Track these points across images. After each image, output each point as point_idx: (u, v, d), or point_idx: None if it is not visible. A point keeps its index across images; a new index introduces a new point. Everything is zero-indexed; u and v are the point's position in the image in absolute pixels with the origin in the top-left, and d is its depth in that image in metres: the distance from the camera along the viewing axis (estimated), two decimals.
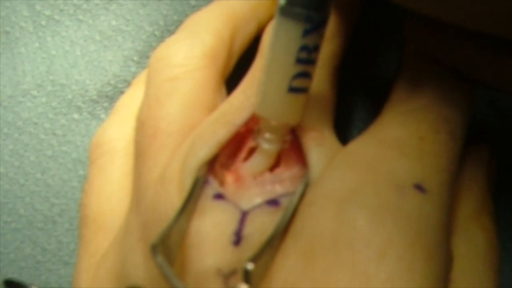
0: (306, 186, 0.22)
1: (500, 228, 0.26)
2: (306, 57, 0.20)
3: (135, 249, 0.23)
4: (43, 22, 0.32)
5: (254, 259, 0.20)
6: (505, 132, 0.29)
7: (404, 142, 0.22)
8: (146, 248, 0.23)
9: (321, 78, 0.24)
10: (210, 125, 0.23)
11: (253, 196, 0.23)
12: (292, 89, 0.21)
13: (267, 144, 0.22)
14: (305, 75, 0.21)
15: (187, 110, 0.24)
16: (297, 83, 0.21)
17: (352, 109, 0.30)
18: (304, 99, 0.21)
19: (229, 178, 0.24)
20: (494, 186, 0.27)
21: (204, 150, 0.23)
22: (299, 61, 0.20)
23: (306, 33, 0.20)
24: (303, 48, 0.20)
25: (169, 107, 0.25)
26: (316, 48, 0.21)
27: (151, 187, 0.24)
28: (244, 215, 0.22)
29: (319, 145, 0.23)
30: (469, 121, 0.24)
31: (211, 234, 0.22)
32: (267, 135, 0.22)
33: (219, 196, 0.23)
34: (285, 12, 0.21)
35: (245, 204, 0.23)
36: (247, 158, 0.24)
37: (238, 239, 0.22)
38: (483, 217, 0.25)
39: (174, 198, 0.23)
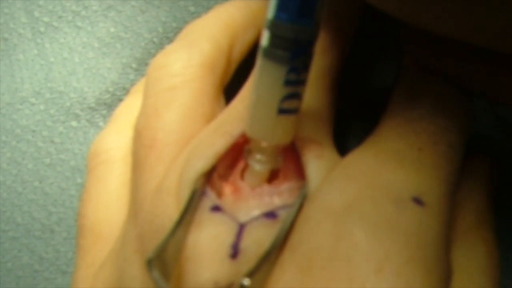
0: (304, 198, 0.22)
1: (501, 240, 0.26)
2: (295, 79, 0.20)
3: (132, 260, 0.23)
4: (42, 29, 0.32)
5: (251, 274, 0.20)
6: (506, 141, 0.29)
7: (402, 153, 0.22)
8: (143, 260, 0.23)
9: (319, 90, 0.24)
10: (208, 136, 0.23)
11: (250, 208, 0.23)
12: (282, 111, 0.21)
13: (258, 165, 0.22)
14: (295, 96, 0.21)
15: (185, 120, 0.24)
16: (287, 104, 0.21)
17: (351, 120, 0.30)
18: (295, 119, 0.21)
19: (227, 189, 0.24)
20: (495, 196, 0.27)
21: (202, 162, 0.23)
22: (288, 82, 0.20)
23: (294, 55, 0.20)
24: (292, 70, 0.20)
25: (166, 117, 0.25)
26: (305, 68, 0.21)
27: (148, 198, 0.24)
28: (241, 228, 0.22)
29: (318, 157, 0.23)
30: (468, 131, 0.24)
31: (208, 247, 0.22)
32: (258, 156, 0.22)
33: (216, 208, 0.23)
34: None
35: (243, 217, 0.22)
36: (245, 169, 0.23)
37: (235, 252, 0.22)
38: (483, 228, 0.25)
39: (171, 210, 0.23)
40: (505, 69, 0.22)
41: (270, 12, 0.20)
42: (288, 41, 0.20)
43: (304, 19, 0.20)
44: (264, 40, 0.20)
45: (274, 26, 0.20)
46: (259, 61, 0.21)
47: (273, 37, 0.20)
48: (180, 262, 0.22)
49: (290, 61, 0.20)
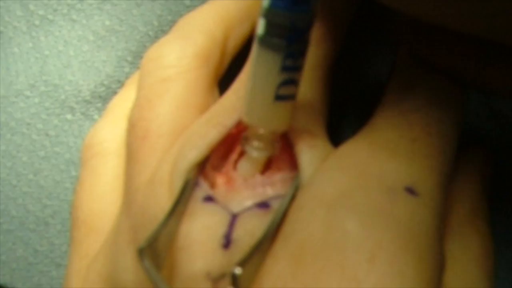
0: (297, 189, 0.23)
1: (495, 231, 0.26)
2: (292, 65, 0.20)
3: (125, 252, 0.23)
4: (37, 22, 0.32)
5: (243, 263, 0.20)
6: (500, 133, 0.29)
7: (396, 144, 0.22)
8: (136, 250, 0.22)
9: (313, 81, 0.24)
10: (201, 126, 0.23)
11: (243, 199, 0.23)
12: (279, 97, 0.21)
13: (256, 152, 0.22)
14: (292, 82, 0.21)
15: (178, 111, 0.24)
16: (284, 90, 0.21)
17: (344, 111, 0.30)
18: (292, 105, 0.22)
19: (220, 180, 0.24)
20: (489, 188, 0.27)
21: (195, 152, 0.23)
22: (284, 69, 0.20)
23: (290, 41, 0.20)
24: (289, 55, 0.20)
25: (160, 109, 0.25)
26: (302, 54, 0.21)
27: (141, 189, 0.24)
28: (233, 218, 0.22)
29: (311, 147, 0.23)
30: (462, 122, 0.24)
31: (201, 237, 0.22)
32: (255, 143, 0.22)
33: (209, 199, 0.23)
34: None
35: (235, 207, 0.23)
36: (238, 160, 0.23)
37: (227, 242, 0.22)
38: (478, 220, 0.25)
39: (163, 201, 0.23)
40: (500, 61, 0.22)
41: (265, 0, 0.20)
42: (284, 29, 0.20)
43: (300, 6, 0.20)
44: (260, 28, 0.21)
45: (269, 14, 0.20)
46: (255, 49, 0.21)
47: (269, 25, 0.21)
48: (172, 252, 0.22)
49: (286, 49, 0.21)
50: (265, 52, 0.21)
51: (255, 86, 0.21)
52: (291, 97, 0.21)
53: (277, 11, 0.20)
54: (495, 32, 0.20)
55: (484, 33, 0.20)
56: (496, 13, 0.19)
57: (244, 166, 0.23)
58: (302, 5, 0.20)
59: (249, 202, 0.23)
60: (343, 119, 0.30)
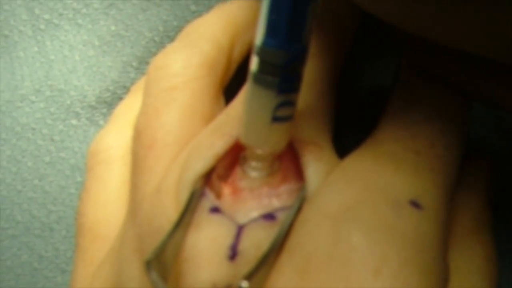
0: (303, 200, 0.23)
1: (499, 242, 0.26)
2: (288, 87, 0.20)
3: (130, 261, 0.24)
4: (42, 26, 0.33)
5: (249, 276, 0.20)
6: (505, 144, 0.29)
7: (400, 157, 0.23)
8: (142, 261, 0.23)
9: (318, 92, 0.24)
10: (207, 136, 0.24)
11: (249, 210, 0.23)
12: (276, 119, 0.21)
13: (254, 172, 0.22)
14: (289, 103, 0.21)
15: (184, 120, 0.25)
16: (281, 112, 0.21)
17: (349, 122, 0.30)
18: (289, 125, 0.22)
19: (226, 190, 0.24)
20: (493, 199, 0.27)
21: (201, 163, 0.23)
22: (281, 91, 0.20)
23: (284, 78, 0.20)
24: (283, 88, 0.20)
25: (166, 117, 0.25)
26: (298, 76, 0.21)
27: (147, 199, 0.24)
28: (240, 229, 0.23)
29: (317, 159, 0.23)
30: (466, 134, 0.24)
31: (207, 249, 0.22)
32: (253, 163, 0.22)
33: (215, 210, 0.23)
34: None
35: (242, 218, 0.23)
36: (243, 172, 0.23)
37: (233, 253, 0.22)
38: (481, 231, 0.25)
39: (170, 211, 0.23)
40: (504, 75, 0.22)
41: (258, 38, 0.20)
42: (278, 67, 0.20)
43: (293, 43, 0.20)
44: (253, 64, 0.21)
45: (262, 52, 0.20)
46: (249, 85, 0.21)
47: (262, 63, 0.20)
48: (178, 263, 0.22)
49: (279, 86, 0.21)
50: (259, 89, 0.21)
51: (251, 110, 0.21)
52: (288, 118, 0.21)
53: (270, 50, 0.20)
54: (497, 54, 0.20)
55: (486, 53, 0.20)
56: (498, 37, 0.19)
57: (245, 185, 0.23)
58: (295, 42, 0.20)
59: (255, 213, 0.23)
60: (347, 130, 0.30)
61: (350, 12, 0.26)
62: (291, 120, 0.22)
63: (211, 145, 0.23)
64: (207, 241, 0.22)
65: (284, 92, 0.21)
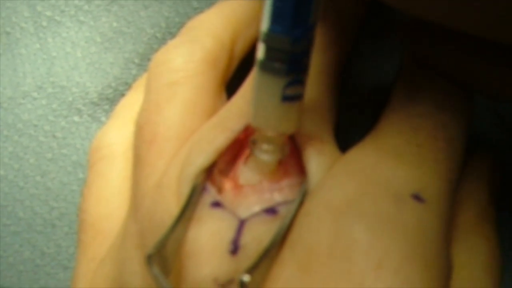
0: (305, 194, 0.23)
1: (502, 236, 0.26)
2: (297, 67, 0.21)
3: (132, 256, 0.24)
4: (44, 23, 0.33)
5: (251, 270, 0.20)
6: (507, 138, 0.29)
7: (402, 150, 0.23)
8: (143, 256, 0.23)
9: (321, 86, 0.24)
10: (209, 131, 0.24)
11: (251, 204, 0.23)
12: (286, 98, 0.21)
13: (265, 155, 0.22)
14: (298, 82, 0.21)
15: (186, 115, 0.25)
16: (290, 91, 0.21)
17: (352, 116, 0.30)
18: (299, 106, 0.22)
19: (227, 185, 0.24)
20: (496, 193, 0.27)
21: (202, 158, 0.23)
22: (290, 70, 0.20)
23: (291, 65, 0.20)
24: (293, 60, 0.20)
25: (168, 112, 0.25)
26: (306, 53, 0.21)
27: (149, 194, 0.24)
28: (241, 224, 0.23)
29: (319, 153, 0.23)
30: (469, 128, 0.24)
31: (208, 243, 0.22)
32: (264, 146, 0.22)
33: (216, 204, 0.23)
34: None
35: (243, 212, 0.23)
36: (247, 160, 0.24)
37: (235, 248, 0.22)
38: (485, 225, 0.25)
39: (171, 206, 0.23)
40: (506, 66, 0.22)
41: (264, 24, 0.20)
42: (285, 53, 0.20)
43: (299, 29, 0.20)
44: (260, 52, 0.21)
45: (269, 39, 0.20)
46: (257, 73, 0.21)
47: (269, 50, 0.20)
48: (180, 257, 0.23)
49: (288, 72, 0.21)
50: (267, 76, 0.21)
51: (260, 89, 0.21)
52: (298, 97, 0.21)
53: (276, 36, 0.20)
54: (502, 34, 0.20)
55: (487, 33, 0.20)
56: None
57: (255, 169, 0.23)
58: (301, 28, 0.20)
59: (256, 208, 0.23)
60: (350, 124, 0.30)
61: (354, 7, 0.26)
62: (301, 99, 0.21)
63: (212, 139, 0.24)
64: (209, 236, 0.22)
65: (293, 71, 0.20)
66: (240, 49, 0.27)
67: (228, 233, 0.22)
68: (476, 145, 0.27)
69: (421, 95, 0.23)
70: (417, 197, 0.22)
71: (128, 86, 0.32)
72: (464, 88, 0.24)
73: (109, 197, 0.26)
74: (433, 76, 0.24)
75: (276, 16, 0.20)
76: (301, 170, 0.23)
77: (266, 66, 0.21)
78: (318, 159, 0.23)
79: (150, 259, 0.21)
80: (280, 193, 0.23)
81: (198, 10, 0.32)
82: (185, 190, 0.23)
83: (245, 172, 0.24)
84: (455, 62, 0.23)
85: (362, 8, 0.27)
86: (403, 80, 0.24)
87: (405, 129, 0.23)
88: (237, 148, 0.24)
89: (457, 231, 0.24)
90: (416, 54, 0.24)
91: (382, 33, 0.31)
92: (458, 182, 0.23)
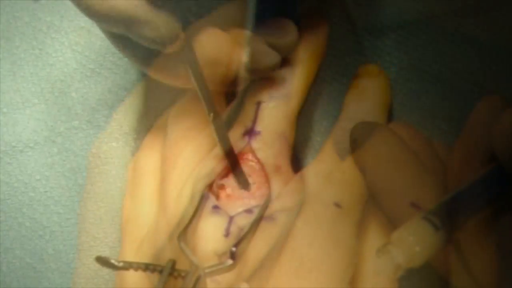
0: (268, 201, 0.45)
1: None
2: None
3: (164, 239, 0.42)
4: (44, 28, 0.33)
5: (236, 245, 0.42)
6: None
7: (332, 175, 0.42)
8: (172, 239, 0.41)
9: (283, 123, 0.41)
10: (210, 161, 0.44)
11: (237, 207, 0.44)
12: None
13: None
14: None
15: (197, 150, 0.43)
16: None
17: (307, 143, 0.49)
18: None
19: (222, 194, 0.45)
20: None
21: (207, 178, 0.44)
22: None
23: None
24: None
25: (185, 149, 0.42)
26: None
27: (173, 201, 0.44)
28: (231, 219, 0.43)
29: (278, 174, 0.44)
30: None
31: (211, 230, 0.42)
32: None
33: (215, 207, 0.43)
34: None
35: (232, 212, 0.44)
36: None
37: (227, 233, 0.41)
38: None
39: (188, 208, 0.43)
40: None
41: None
42: None
43: None
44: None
45: None
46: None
47: None
48: (193, 239, 0.42)
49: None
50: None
51: None
52: None
53: None
54: None
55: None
56: None
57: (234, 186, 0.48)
58: None
59: (240, 209, 0.44)
60: (305, 148, 0.45)
61: (316, 60, 0.46)
62: None
63: (213, 167, 0.44)
64: (211, 226, 0.42)
65: None
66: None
67: (223, 224, 0.42)
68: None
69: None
70: (336, 205, 0.39)
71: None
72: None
73: (143, 202, 0.42)
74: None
75: None
76: (268, 187, 0.45)
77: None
78: (277, 178, 0.43)
79: (179, 238, 0.40)
80: (254, 200, 0.44)
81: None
82: (196, 199, 0.43)
83: (233, 186, 0.47)
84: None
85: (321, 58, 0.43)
86: (339, 124, 0.45)
87: (335, 160, 0.40)
88: (228, 170, 0.48)
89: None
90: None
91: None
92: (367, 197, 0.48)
